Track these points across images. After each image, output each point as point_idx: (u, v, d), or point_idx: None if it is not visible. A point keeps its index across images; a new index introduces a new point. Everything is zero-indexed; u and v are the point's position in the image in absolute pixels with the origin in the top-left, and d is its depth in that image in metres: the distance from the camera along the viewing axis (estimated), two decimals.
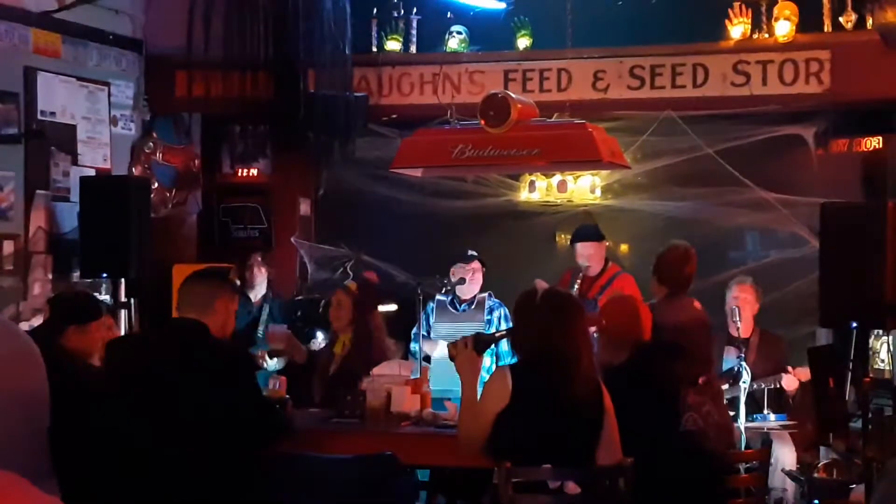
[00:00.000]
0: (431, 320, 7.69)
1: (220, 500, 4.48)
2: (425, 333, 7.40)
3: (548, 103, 7.60)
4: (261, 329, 8.09)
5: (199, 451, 4.43)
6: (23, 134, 7.65)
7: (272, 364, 7.53)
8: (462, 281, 7.55)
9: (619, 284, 7.57)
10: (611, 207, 9.23)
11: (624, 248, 9.67)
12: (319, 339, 7.48)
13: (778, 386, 6.93)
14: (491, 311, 7.58)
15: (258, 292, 8.33)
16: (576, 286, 7.53)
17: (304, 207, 9.70)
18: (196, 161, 9.35)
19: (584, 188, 9.22)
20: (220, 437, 4.47)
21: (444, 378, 6.87)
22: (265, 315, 8.20)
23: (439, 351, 7.15)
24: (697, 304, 6.20)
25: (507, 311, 7.49)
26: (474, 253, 7.68)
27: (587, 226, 8.11)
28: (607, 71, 8.68)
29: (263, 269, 8.40)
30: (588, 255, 7.69)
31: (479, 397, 4.74)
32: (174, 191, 9.11)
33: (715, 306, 7.18)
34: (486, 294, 7.70)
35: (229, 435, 4.50)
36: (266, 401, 5.09)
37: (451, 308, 7.67)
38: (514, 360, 4.97)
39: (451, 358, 4.83)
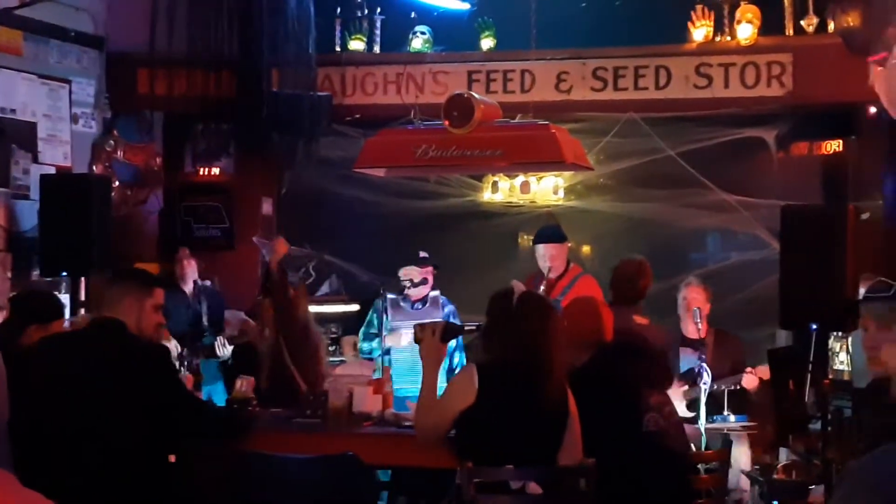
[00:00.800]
0: (388, 318, 7.67)
1: (147, 498, 4.49)
2: (387, 331, 7.39)
3: (511, 104, 7.61)
4: (205, 319, 8.08)
5: (120, 448, 4.44)
6: None
7: (226, 352, 7.56)
8: (423, 281, 7.54)
9: (581, 285, 7.57)
10: (574, 208, 9.27)
11: (586, 249, 9.71)
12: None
13: (738, 386, 6.95)
14: (443, 308, 7.57)
15: (190, 285, 8.28)
16: (541, 289, 7.55)
17: (267, 207, 9.66)
18: (158, 159, 9.29)
19: (548, 189, 9.25)
20: (140, 432, 4.48)
21: (406, 377, 6.90)
22: (204, 306, 8.18)
23: (404, 340, 7.17)
24: (640, 319, 6.27)
25: (455, 309, 7.51)
26: (426, 255, 7.67)
27: (550, 226, 8.12)
28: (570, 72, 8.72)
29: (193, 262, 8.34)
30: (550, 255, 7.69)
31: (443, 392, 4.76)
32: (135, 189, 9.05)
33: (673, 308, 7.25)
34: (437, 292, 7.69)
35: (151, 430, 4.51)
36: (188, 393, 5.08)
37: (404, 306, 7.66)
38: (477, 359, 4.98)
39: (417, 341, 4.88)
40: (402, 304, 7.61)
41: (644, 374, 5.10)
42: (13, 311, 5.53)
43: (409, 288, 7.54)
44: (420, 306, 7.61)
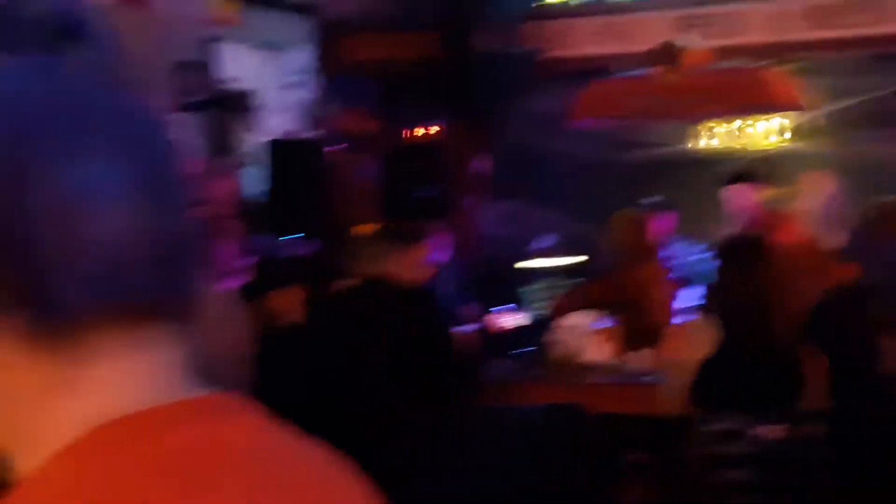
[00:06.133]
0: None
1: (411, 449, 4.54)
2: None
3: (723, 48, 7.44)
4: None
5: (393, 404, 4.49)
6: (204, 102, 7.86)
7: None
8: None
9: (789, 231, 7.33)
10: (794, 152, 9.00)
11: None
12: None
13: None
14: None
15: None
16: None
17: (479, 165, 9.72)
18: (371, 123, 9.45)
19: (765, 132, 9.01)
20: (412, 384, 4.52)
21: None
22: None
23: None
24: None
25: None
26: (657, 199, 7.50)
27: (748, 168, 7.84)
28: (785, 11, 8.46)
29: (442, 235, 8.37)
30: (745, 198, 7.41)
31: (680, 344, 4.75)
32: (351, 153, 9.24)
33: None
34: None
35: (421, 383, 4.55)
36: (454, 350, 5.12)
37: None
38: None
39: None
40: None
41: (881, 315, 4.96)
42: (254, 276, 5.70)
43: None
44: None
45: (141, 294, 0.88)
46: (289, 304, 5.35)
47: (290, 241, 7.86)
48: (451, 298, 7.35)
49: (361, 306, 4.68)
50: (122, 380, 0.88)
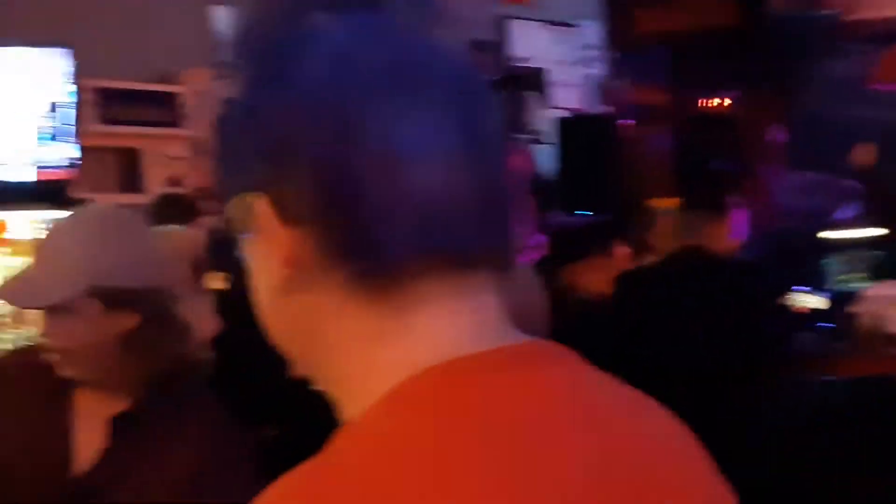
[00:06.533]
0: None
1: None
2: None
3: None
4: None
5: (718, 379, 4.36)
6: (498, 81, 7.97)
7: None
8: None
9: None
10: None
11: None
12: None
13: None
14: None
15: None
16: None
17: (776, 134, 9.45)
18: (664, 95, 9.34)
19: None
20: (734, 356, 4.40)
21: None
22: None
23: None
24: None
25: None
26: None
27: None
28: None
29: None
30: None
31: None
32: (644, 126, 9.16)
33: None
34: None
35: (742, 356, 4.42)
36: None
37: None
38: None
39: None
40: None
41: None
42: (551, 251, 5.72)
43: None
44: None
45: (462, 244, 0.91)
46: (588, 277, 5.34)
47: (582, 217, 7.87)
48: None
49: (681, 277, 4.58)
50: (443, 327, 0.90)
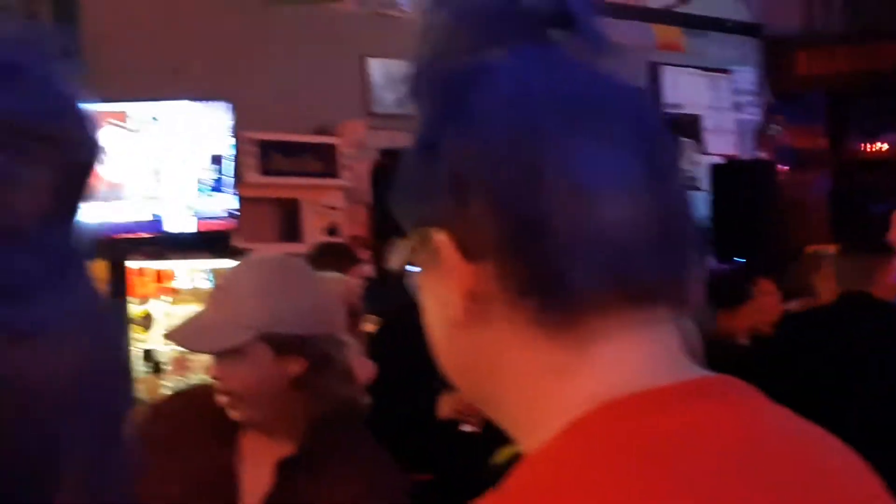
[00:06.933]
0: None
1: None
2: None
3: None
4: None
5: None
6: None
7: None
8: None
9: None
10: None
11: None
12: None
13: None
14: None
15: None
16: None
17: None
18: (822, 139, 9.18)
19: None
20: None
21: None
22: None
23: None
24: None
25: None
26: None
27: None
28: None
29: None
30: None
31: None
32: (802, 172, 9.01)
33: None
34: None
35: None
36: None
37: None
38: None
39: None
40: None
41: None
42: (704, 297, 5.63)
43: None
44: None
45: (644, 277, 0.89)
46: (740, 323, 5.25)
47: (736, 264, 7.74)
48: None
49: (852, 322, 4.45)
50: (623, 361, 0.89)
